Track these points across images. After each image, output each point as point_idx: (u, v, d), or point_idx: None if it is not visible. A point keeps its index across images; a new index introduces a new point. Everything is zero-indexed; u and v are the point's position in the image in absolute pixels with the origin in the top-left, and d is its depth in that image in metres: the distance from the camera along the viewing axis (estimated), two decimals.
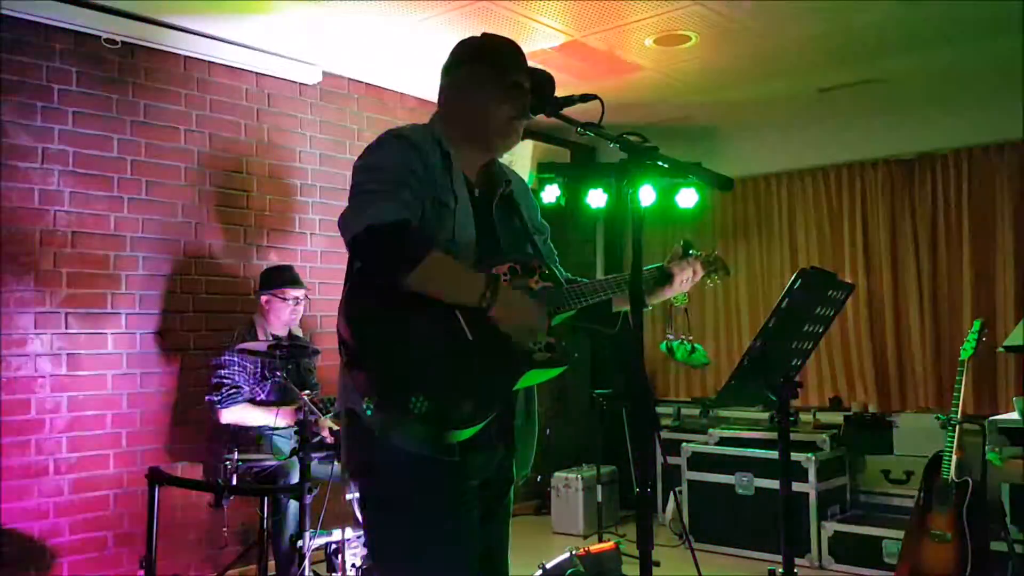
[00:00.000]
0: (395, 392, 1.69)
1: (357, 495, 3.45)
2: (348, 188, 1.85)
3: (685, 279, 2.17)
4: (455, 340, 1.76)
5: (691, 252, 2.23)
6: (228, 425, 3.93)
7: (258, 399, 4.01)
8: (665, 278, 2.14)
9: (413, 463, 1.77)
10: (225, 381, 3.94)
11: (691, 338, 2.45)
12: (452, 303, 1.77)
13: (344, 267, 1.89)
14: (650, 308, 2.12)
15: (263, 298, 4.14)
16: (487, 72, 1.94)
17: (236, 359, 3.96)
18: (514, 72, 1.95)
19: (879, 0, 3.98)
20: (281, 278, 4.15)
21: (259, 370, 4.03)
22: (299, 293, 4.15)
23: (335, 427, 3.96)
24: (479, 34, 2.05)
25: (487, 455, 1.89)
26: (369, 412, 1.73)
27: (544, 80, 1.97)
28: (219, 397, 3.92)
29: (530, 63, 2.00)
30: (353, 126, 5.19)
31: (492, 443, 1.88)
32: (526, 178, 2.77)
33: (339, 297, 1.79)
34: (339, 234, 1.78)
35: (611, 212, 6.34)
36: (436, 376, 1.73)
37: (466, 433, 1.74)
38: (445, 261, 1.78)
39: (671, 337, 2.44)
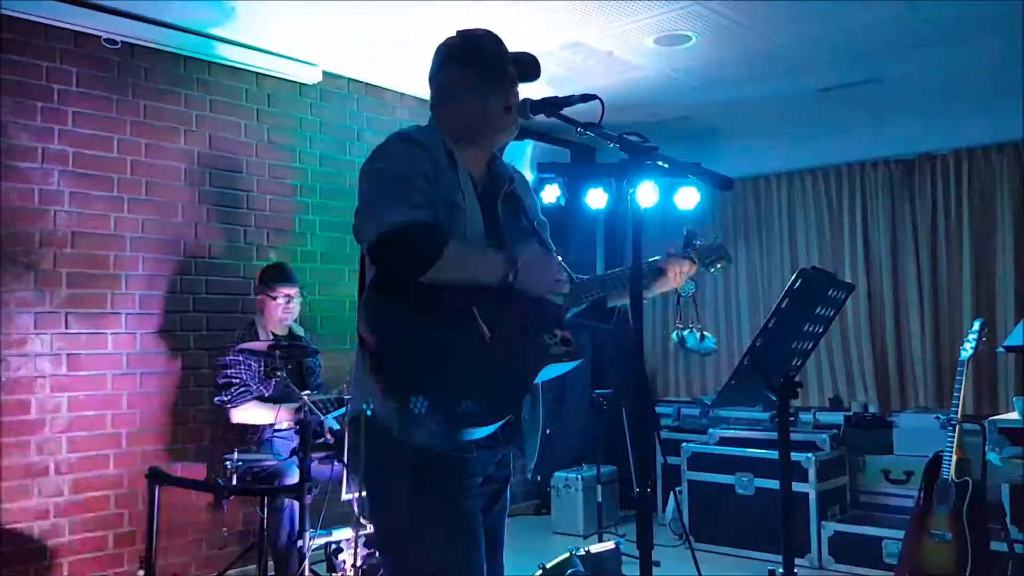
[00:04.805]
0: (416, 392, 1.71)
1: (363, 494, 3.45)
2: (353, 190, 1.86)
3: (677, 273, 2.17)
4: (474, 340, 1.78)
5: (694, 242, 2.24)
6: (235, 425, 3.92)
7: (264, 396, 4.00)
8: (658, 272, 2.16)
9: (426, 460, 1.79)
10: (233, 380, 3.93)
11: (700, 326, 2.46)
12: (477, 282, 1.81)
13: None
14: (647, 300, 2.14)
15: (259, 297, 4.14)
16: (471, 69, 1.95)
17: (241, 358, 3.95)
18: (497, 62, 1.96)
19: (879, 0, 3.97)
20: (271, 276, 4.10)
21: (262, 369, 4.02)
22: (290, 291, 4.08)
23: (336, 426, 3.95)
24: (453, 33, 2.04)
25: (492, 452, 1.91)
26: (390, 412, 1.75)
27: (528, 64, 1.98)
28: (229, 397, 3.92)
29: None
30: (353, 126, 5.19)
31: (498, 439, 1.89)
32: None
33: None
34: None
35: (611, 212, 6.34)
36: (456, 376, 1.75)
37: (485, 430, 1.77)
38: (463, 248, 1.83)
39: (681, 327, 2.43)
